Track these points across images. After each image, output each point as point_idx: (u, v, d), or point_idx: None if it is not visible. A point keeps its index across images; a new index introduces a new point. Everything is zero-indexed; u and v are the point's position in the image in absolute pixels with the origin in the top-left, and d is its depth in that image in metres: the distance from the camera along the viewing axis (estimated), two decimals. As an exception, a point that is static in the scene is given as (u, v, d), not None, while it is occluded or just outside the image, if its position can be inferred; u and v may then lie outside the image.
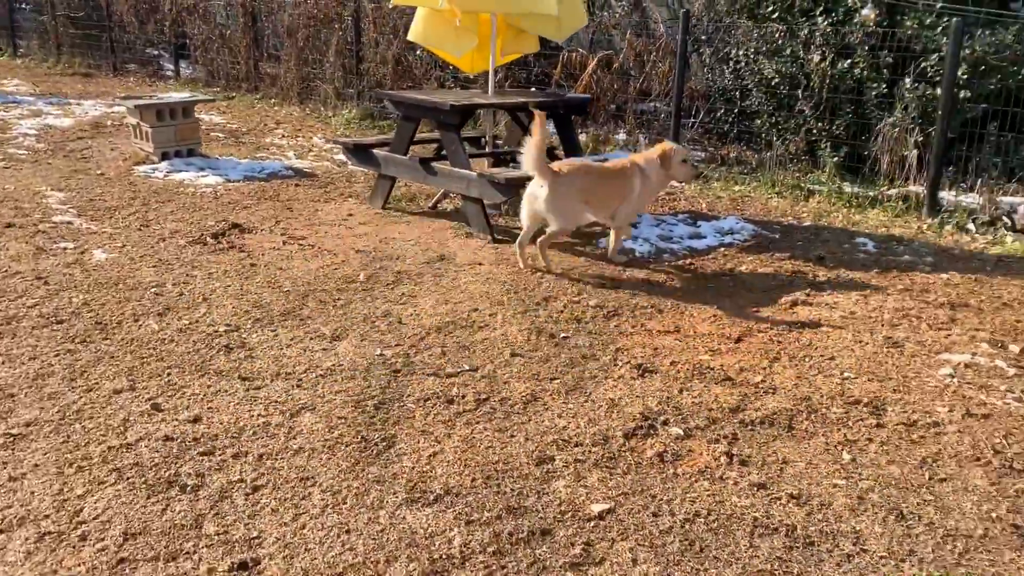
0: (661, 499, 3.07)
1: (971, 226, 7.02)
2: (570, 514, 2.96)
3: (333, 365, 4.07)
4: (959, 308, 5.08)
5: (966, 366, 4.25)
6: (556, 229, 5.57)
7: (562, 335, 4.51)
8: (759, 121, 8.97)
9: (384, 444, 3.38)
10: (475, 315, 4.76)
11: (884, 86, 7.91)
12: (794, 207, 7.65)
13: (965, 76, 7.29)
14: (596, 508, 2.99)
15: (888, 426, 3.65)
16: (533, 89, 9.23)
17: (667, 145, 5.71)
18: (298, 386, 3.85)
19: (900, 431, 3.61)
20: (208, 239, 6.01)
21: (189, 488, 3.05)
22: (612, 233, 5.84)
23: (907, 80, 7.74)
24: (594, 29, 10.92)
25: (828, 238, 6.64)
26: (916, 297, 5.25)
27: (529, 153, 5.26)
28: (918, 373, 4.17)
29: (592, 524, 2.91)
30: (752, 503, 3.06)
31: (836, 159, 8.25)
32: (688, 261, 5.90)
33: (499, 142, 7.94)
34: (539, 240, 5.64)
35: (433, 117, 6.65)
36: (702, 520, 2.95)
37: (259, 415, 3.58)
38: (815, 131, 8.40)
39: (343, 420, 3.56)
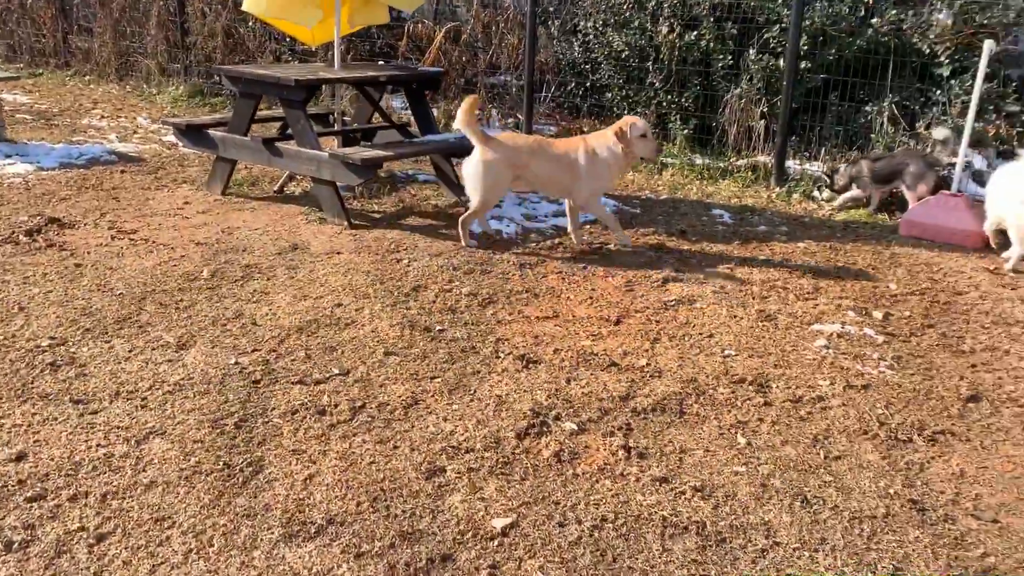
0: (565, 505, 2.85)
1: (817, 194, 7.26)
2: (471, 533, 2.69)
3: (182, 379, 3.59)
4: (820, 277, 5.17)
5: (838, 336, 4.30)
6: (476, 202, 5.38)
7: (437, 328, 4.21)
8: (610, 95, 8.93)
9: (251, 469, 2.98)
10: (339, 311, 4.37)
11: (730, 58, 8.04)
12: (650, 181, 7.66)
13: (806, 47, 7.49)
14: (498, 523, 2.73)
15: (775, 404, 3.61)
16: (380, 62, 8.77)
17: (624, 121, 5.36)
18: (143, 407, 3.36)
19: (787, 408, 3.57)
20: (21, 237, 5.27)
21: (16, 545, 2.55)
22: (568, 212, 5.65)
23: (751, 51, 7.89)
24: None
25: (686, 211, 6.66)
26: (779, 267, 5.31)
27: (461, 113, 5.21)
28: (795, 346, 4.17)
29: (496, 543, 2.65)
30: (658, 500, 2.90)
31: (686, 131, 8.33)
32: (556, 241, 5.72)
33: (347, 119, 7.47)
34: (461, 218, 5.50)
35: (276, 93, 6.12)
36: (610, 525, 2.76)
37: (98, 445, 3.09)
38: (665, 104, 8.44)
39: (200, 444, 3.12)
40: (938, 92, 7.39)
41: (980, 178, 7.00)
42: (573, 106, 9.49)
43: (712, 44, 8.06)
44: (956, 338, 4.36)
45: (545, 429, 3.33)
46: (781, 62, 7.71)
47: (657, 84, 8.39)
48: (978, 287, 5.10)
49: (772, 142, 7.76)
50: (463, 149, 6.31)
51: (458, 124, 5.28)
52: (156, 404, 3.39)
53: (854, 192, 6.81)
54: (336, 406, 3.43)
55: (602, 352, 4.01)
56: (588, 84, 9.19)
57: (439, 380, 3.69)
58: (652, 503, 2.88)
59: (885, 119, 7.58)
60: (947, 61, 7.29)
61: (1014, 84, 7.22)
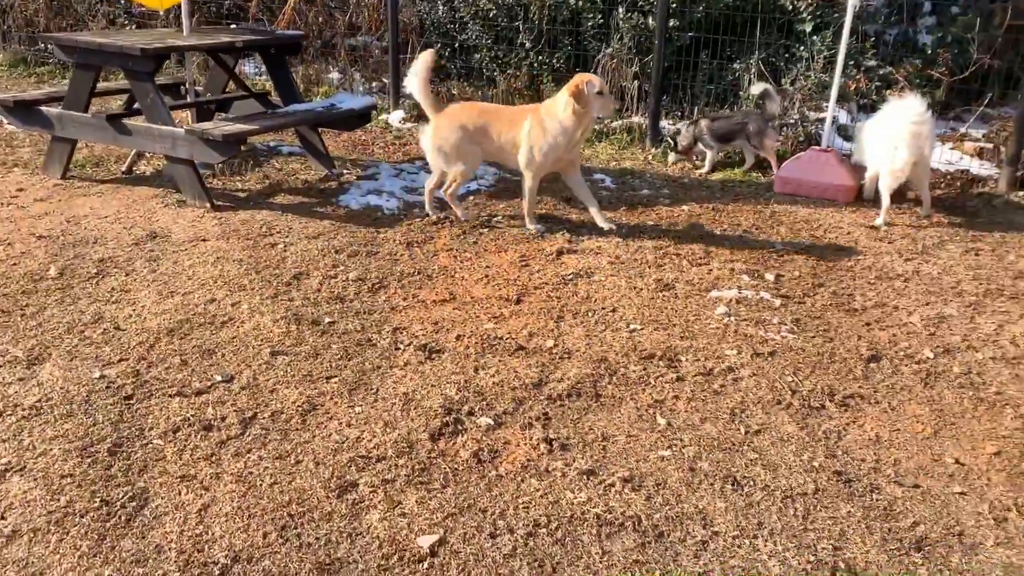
0: (493, 513, 2.65)
1: (672, 156, 7.27)
2: (396, 557, 2.45)
3: (39, 400, 3.13)
4: (710, 241, 5.16)
5: (737, 302, 4.28)
6: (446, 172, 5.18)
7: (327, 320, 3.89)
8: (478, 56, 8.64)
9: (134, 504, 2.61)
10: (213, 307, 3.97)
11: (600, 16, 7.91)
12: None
13: (675, 5, 7.45)
14: (424, 542, 2.50)
15: (687, 379, 3.53)
16: (233, 26, 8.12)
17: (579, 79, 4.93)
18: (-8, 440, 2.90)
19: (700, 383, 3.50)
20: None
21: None
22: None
23: (621, 10, 7.78)
24: (289, -44, 9.86)
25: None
26: (669, 233, 5.26)
27: (413, 80, 5.05)
28: (697, 316, 4.11)
29: (425, 565, 2.42)
30: (588, 496, 2.75)
31: (559, 93, 8.16)
32: (443, 215, 5.44)
33: (199, 89, 6.86)
34: (447, 192, 5.27)
35: (119, 64, 5.49)
36: (544, 531, 2.58)
37: (-60, 493, 2.63)
38: (536, 65, 8.24)
39: (69, 479, 2.71)
40: (801, 48, 7.53)
41: (845, 132, 7.23)
42: (440, 68, 9.13)
43: (581, 2, 7.89)
44: (846, 296, 4.43)
45: (459, 427, 3.10)
46: (651, 20, 7.65)
47: (528, 44, 8.17)
48: (857, 242, 5.22)
49: (646, 102, 7.72)
50: (332, 119, 5.91)
51: (412, 88, 5.08)
52: (10, 434, 2.93)
53: (709, 151, 6.77)
54: (224, 419, 3.08)
55: (507, 335, 3.81)
56: (456, 45, 8.86)
57: (336, 380, 3.39)
58: (583, 500, 2.73)
59: (752, 76, 7.67)
60: (809, 17, 7.42)
61: (872, 39, 7.45)
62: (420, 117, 6.68)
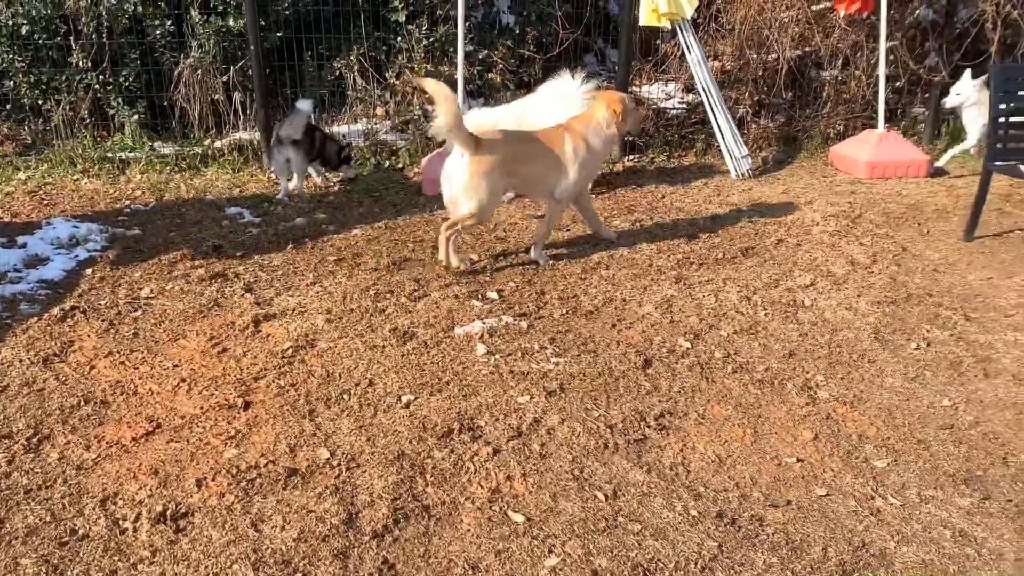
0: None
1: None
2: None
3: None
4: (407, 265, 4.63)
5: (489, 335, 3.84)
6: (466, 213, 4.38)
7: (-7, 523, 2.60)
8: (11, 82, 6.85)
9: None
10: None
11: (170, 23, 6.72)
12: (118, 187, 6.12)
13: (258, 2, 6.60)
14: None
15: (504, 449, 3.03)
16: None
17: (611, 96, 4.63)
18: None
19: (520, 449, 3.02)
20: None
21: None
22: (544, 219, 4.71)
23: (194, 13, 6.69)
24: None
25: (197, 218, 5.44)
26: (356, 266, 4.62)
27: (446, 115, 4.08)
28: (462, 363, 3.60)
29: None
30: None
31: (136, 117, 6.84)
32: (69, 306, 4.09)
33: None
34: (446, 229, 4.45)
35: None
36: None
37: None
38: (99, 86, 6.77)
39: None
40: (399, 39, 7.22)
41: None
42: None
43: (142, 8, 6.62)
44: (572, 298, 4.25)
45: (293, 626, 2.23)
46: (232, 22, 6.70)
47: (83, 64, 6.65)
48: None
49: (248, 115, 6.80)
50: None
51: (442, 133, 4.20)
52: None
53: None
54: None
55: (264, 460, 2.91)
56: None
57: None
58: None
59: (355, 73, 7.17)
60: (401, 6, 7.11)
61: (468, 24, 7.39)
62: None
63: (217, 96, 6.84)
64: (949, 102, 6.26)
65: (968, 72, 6.09)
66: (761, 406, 3.31)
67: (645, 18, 6.41)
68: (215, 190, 6.03)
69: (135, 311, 4.04)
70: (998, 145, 4.78)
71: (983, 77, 5.78)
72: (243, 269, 4.56)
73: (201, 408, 3.23)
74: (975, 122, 6.08)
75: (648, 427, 3.15)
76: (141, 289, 4.28)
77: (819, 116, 7.17)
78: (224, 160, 6.57)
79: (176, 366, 3.54)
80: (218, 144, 6.75)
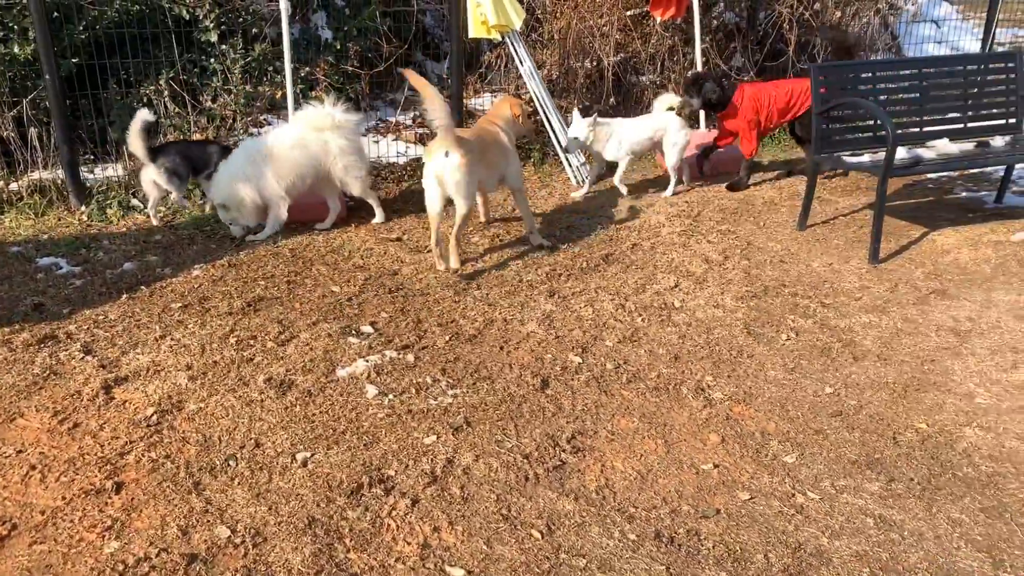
0: None
1: (135, 202, 6.02)
2: None
3: None
4: (263, 305, 4.30)
5: (376, 374, 3.62)
6: (465, 211, 4.58)
7: None
8: None
9: None
10: None
11: (-62, 51, 5.89)
12: None
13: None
14: None
15: (424, 498, 2.84)
16: None
17: (513, 99, 5.14)
18: None
19: (439, 496, 2.85)
20: None
21: None
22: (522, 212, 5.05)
23: (-31, 40, 5.91)
24: None
25: (3, 273, 4.79)
26: (211, 311, 4.22)
27: (441, 114, 4.32)
28: (355, 409, 3.36)
29: None
30: None
31: (-93, 160, 5.94)
32: None
33: None
34: (453, 232, 4.61)
35: None
36: None
37: None
38: None
39: None
40: (213, 60, 6.74)
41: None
42: None
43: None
44: (451, 323, 4.11)
45: None
46: (16, 49, 5.98)
47: None
48: (404, 263, 4.92)
49: (47, 151, 6.09)
50: None
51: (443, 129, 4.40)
52: None
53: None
54: None
55: (156, 552, 2.56)
56: None
57: None
58: None
59: (167, 99, 6.63)
60: (212, 25, 6.65)
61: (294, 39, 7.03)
62: None
63: (7, 133, 6.07)
64: (570, 147, 6.11)
65: (575, 112, 6.11)
66: (663, 414, 3.33)
67: (474, 30, 6.35)
68: (18, 238, 5.33)
69: (-50, 391, 3.46)
70: (822, 138, 5.11)
71: (593, 115, 5.87)
72: (75, 328, 4.04)
73: (63, 497, 2.80)
74: (611, 151, 6.03)
75: (563, 451, 3.08)
76: (-48, 364, 3.67)
77: (643, 119, 7.41)
78: (23, 204, 5.83)
79: (20, 451, 3.05)
80: (13, 187, 5.99)
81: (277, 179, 5.19)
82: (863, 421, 3.29)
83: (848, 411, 3.36)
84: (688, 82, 6.11)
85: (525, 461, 3.01)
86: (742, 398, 3.45)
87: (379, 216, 5.55)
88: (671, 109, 6.03)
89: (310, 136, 5.27)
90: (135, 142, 5.31)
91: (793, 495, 2.84)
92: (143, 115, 5.28)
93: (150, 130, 5.58)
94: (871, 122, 5.23)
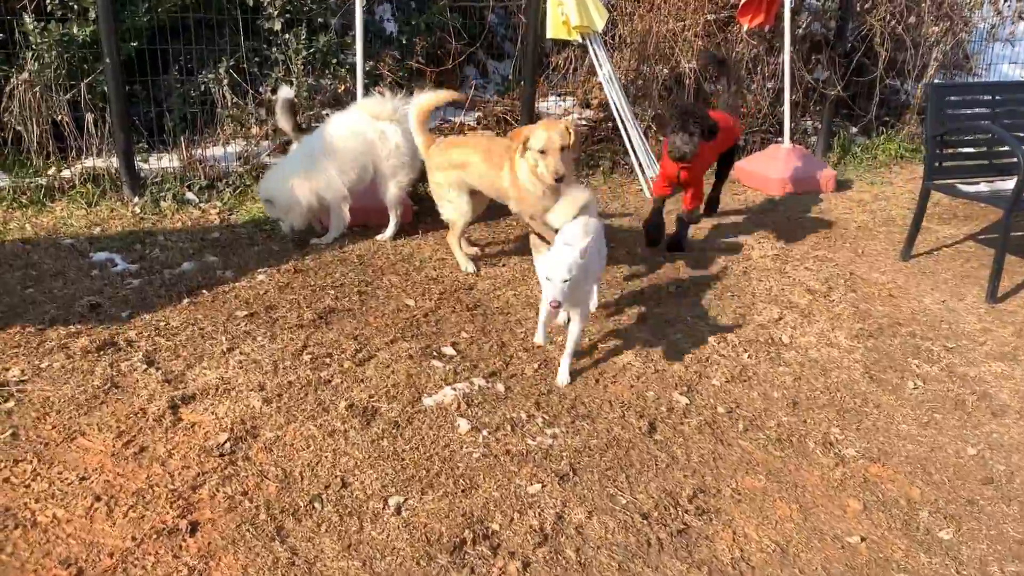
0: None
1: (191, 195, 5.74)
2: None
3: None
4: (336, 316, 3.98)
5: (466, 405, 3.29)
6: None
7: None
8: None
9: None
10: None
11: (-3, 29, 5.63)
12: (-58, 227, 5.02)
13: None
14: None
15: (536, 561, 2.50)
16: None
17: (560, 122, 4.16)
18: None
19: (549, 557, 2.50)
20: None
21: None
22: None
23: (27, 19, 5.64)
24: None
25: (57, 268, 4.50)
26: (275, 326, 3.91)
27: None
28: (447, 446, 3.03)
29: None
30: None
31: (-43, 140, 5.70)
32: None
33: None
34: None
35: None
36: None
37: None
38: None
39: None
40: (275, 50, 6.45)
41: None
42: None
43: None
44: (535, 349, 3.77)
45: None
46: (76, 29, 5.71)
47: None
48: (479, 276, 4.58)
49: (103, 137, 5.82)
50: None
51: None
52: None
53: None
54: None
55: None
56: None
57: None
58: None
59: (226, 88, 6.33)
60: (276, 13, 6.35)
61: (351, 34, 6.71)
62: None
63: (61, 117, 5.80)
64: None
65: None
66: (791, 471, 2.97)
67: (553, 31, 6.01)
68: (70, 230, 5.05)
69: (5, 401, 3.17)
70: (935, 164, 4.72)
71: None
72: (135, 334, 3.74)
73: (133, 538, 2.48)
74: None
75: (686, 512, 2.73)
76: (7, 370, 3.38)
77: (719, 131, 7.03)
78: (75, 193, 5.56)
79: (83, 479, 2.75)
80: (66, 173, 5.72)
81: (340, 174, 4.86)
82: (1018, 491, 2.92)
83: (999, 478, 2.99)
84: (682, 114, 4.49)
85: (644, 522, 2.67)
86: (876, 456, 3.08)
87: (389, 233, 5.10)
88: None
89: (368, 124, 4.94)
90: (282, 118, 5.25)
91: (959, 582, 2.48)
92: (286, 92, 5.23)
93: (294, 108, 5.44)
94: (985, 149, 4.83)
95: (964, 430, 3.28)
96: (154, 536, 2.49)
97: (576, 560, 2.49)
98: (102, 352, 3.55)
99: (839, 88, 6.87)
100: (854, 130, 7.60)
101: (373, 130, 4.94)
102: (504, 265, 4.68)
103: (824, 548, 2.60)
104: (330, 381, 3.40)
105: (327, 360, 3.57)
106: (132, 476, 2.76)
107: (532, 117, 6.31)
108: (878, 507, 2.81)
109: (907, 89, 7.95)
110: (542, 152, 4.00)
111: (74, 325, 3.79)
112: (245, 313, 4.00)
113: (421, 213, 5.40)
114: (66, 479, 2.73)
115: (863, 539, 2.65)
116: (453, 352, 3.69)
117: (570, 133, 4.05)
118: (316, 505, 2.67)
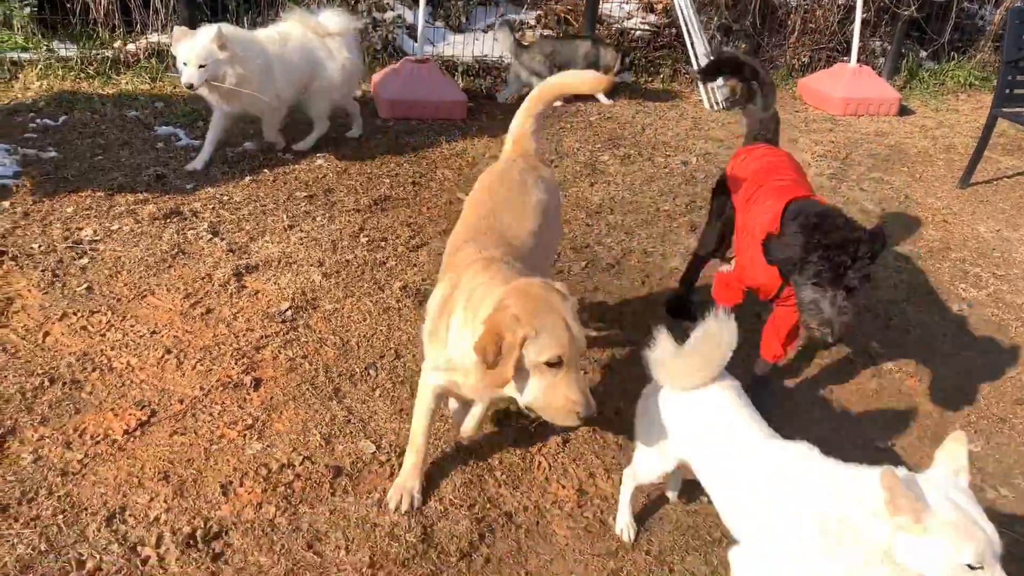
0: None
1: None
2: None
3: None
4: (389, 204, 4.06)
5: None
6: None
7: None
8: None
9: None
10: None
11: None
12: (12, 94, 5.15)
13: None
14: None
15: (575, 438, 2.63)
16: None
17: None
18: None
19: (587, 438, 2.63)
20: None
21: None
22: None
23: None
24: None
25: (123, 138, 4.62)
26: (333, 208, 4.00)
27: None
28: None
29: None
30: None
31: (28, 10, 5.78)
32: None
33: None
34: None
35: None
36: None
37: None
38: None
39: None
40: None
41: (413, 33, 6.40)
42: None
43: None
44: (583, 248, 3.83)
45: None
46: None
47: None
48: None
49: (169, 12, 5.87)
50: None
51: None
52: None
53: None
54: None
55: (300, 460, 2.41)
56: None
57: None
58: None
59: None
60: None
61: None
62: None
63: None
64: None
65: None
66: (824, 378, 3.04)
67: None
68: (135, 104, 5.16)
69: (80, 258, 3.34)
70: (1006, 91, 4.61)
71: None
72: (200, 206, 3.87)
73: (201, 388, 2.66)
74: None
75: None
76: (80, 230, 3.55)
77: (785, 45, 6.88)
78: (140, 67, 5.65)
79: (154, 332, 2.92)
80: (131, 47, 5.80)
81: None
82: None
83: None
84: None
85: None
86: (914, 371, 3.14)
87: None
88: None
89: None
90: (502, 37, 5.50)
91: (983, 489, 2.56)
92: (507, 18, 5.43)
93: (513, 26, 5.73)
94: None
95: (1003, 353, 3.32)
96: (220, 388, 2.66)
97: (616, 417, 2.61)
98: (168, 219, 3.69)
99: (913, 8, 6.63)
100: (924, 54, 7.37)
101: None
102: (556, 167, 4.71)
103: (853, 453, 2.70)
104: (385, 263, 3.52)
105: (382, 244, 3.68)
106: (199, 333, 2.92)
107: (594, 20, 6.22)
108: (911, 417, 2.88)
109: (984, 14, 7.65)
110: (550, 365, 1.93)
111: (141, 193, 3.93)
112: (304, 194, 4.10)
113: (475, 111, 5.41)
114: (138, 332, 2.90)
115: (892, 446, 2.74)
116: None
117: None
118: (371, 372, 2.82)
